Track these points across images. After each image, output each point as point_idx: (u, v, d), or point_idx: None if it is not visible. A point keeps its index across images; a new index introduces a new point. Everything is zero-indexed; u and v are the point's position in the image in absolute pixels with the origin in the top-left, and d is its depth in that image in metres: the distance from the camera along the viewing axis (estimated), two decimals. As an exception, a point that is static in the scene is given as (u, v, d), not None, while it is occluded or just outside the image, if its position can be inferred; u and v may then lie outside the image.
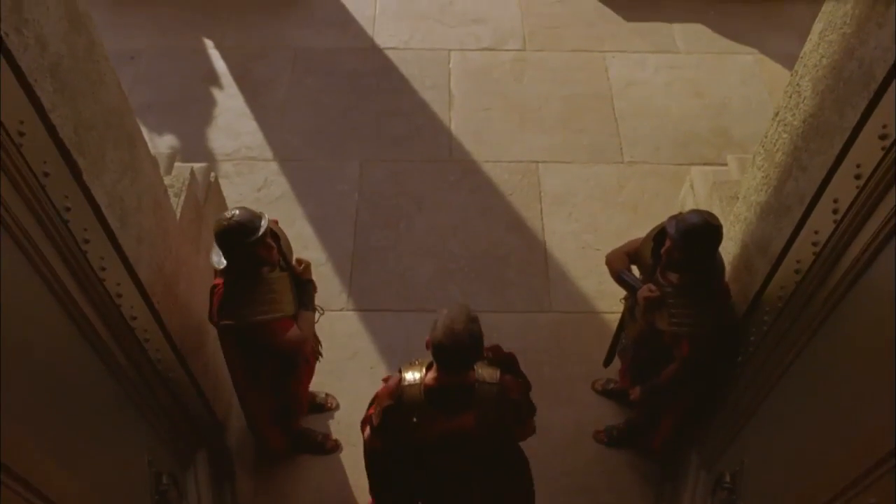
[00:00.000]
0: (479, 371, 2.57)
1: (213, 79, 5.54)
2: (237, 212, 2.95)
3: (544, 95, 5.40)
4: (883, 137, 2.09)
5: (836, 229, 2.36)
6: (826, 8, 2.64)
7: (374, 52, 5.71)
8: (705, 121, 5.29)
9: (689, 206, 3.90)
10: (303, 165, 4.99)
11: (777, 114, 3.00)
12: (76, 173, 2.39)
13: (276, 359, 3.27)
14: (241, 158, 5.03)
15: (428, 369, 2.58)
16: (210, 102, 5.38)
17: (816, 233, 2.49)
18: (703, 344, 3.04)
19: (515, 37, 5.82)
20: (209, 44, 5.80)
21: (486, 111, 5.29)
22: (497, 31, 5.86)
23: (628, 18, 6.01)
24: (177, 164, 3.85)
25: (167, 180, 3.58)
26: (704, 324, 3.01)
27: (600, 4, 6.12)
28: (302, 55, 5.68)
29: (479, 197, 4.85)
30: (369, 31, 5.86)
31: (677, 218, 2.96)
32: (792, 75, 2.89)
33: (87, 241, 2.44)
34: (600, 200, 4.83)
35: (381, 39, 5.81)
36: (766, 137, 3.09)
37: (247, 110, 5.32)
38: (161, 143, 5.09)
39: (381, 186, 4.86)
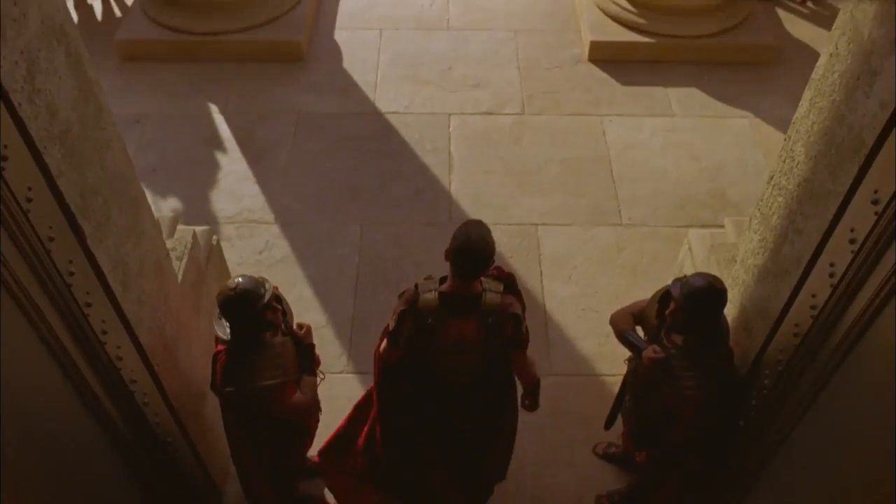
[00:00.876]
0: (486, 283, 2.90)
1: (217, 142, 5.63)
2: (240, 280, 2.96)
3: (543, 158, 5.48)
4: (875, 202, 2.13)
5: (833, 293, 2.38)
6: (815, 76, 2.71)
7: (375, 117, 5.82)
8: (702, 183, 5.35)
9: (688, 268, 3.93)
10: (304, 228, 5.04)
11: (772, 178, 3.05)
12: (81, 238, 2.42)
13: (276, 424, 3.24)
14: (243, 221, 5.08)
15: (441, 282, 2.92)
16: (213, 166, 5.46)
17: (814, 296, 2.51)
18: (708, 407, 3.03)
19: (514, 101, 5.94)
20: (214, 108, 5.91)
21: (485, 174, 5.36)
22: (496, 95, 5.99)
23: (624, 83, 6.14)
24: (179, 226, 3.89)
25: (170, 243, 3.61)
26: (709, 387, 3.01)
27: (597, 69, 6.27)
28: (304, 119, 5.79)
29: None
30: (371, 96, 5.99)
31: (682, 280, 2.99)
32: (785, 140, 2.94)
33: (89, 305, 2.45)
34: (599, 263, 4.86)
35: (383, 104, 5.92)
36: (761, 201, 3.13)
37: (249, 174, 5.40)
38: (165, 206, 5.14)
39: (382, 249, 4.89)
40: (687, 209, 5.17)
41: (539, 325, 4.54)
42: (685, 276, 3.05)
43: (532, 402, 3.21)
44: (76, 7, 6.88)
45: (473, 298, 2.87)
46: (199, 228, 3.96)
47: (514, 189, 5.29)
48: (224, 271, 4.31)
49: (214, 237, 4.15)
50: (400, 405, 3.23)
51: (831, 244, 2.42)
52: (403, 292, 2.99)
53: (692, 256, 4.02)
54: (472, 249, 2.77)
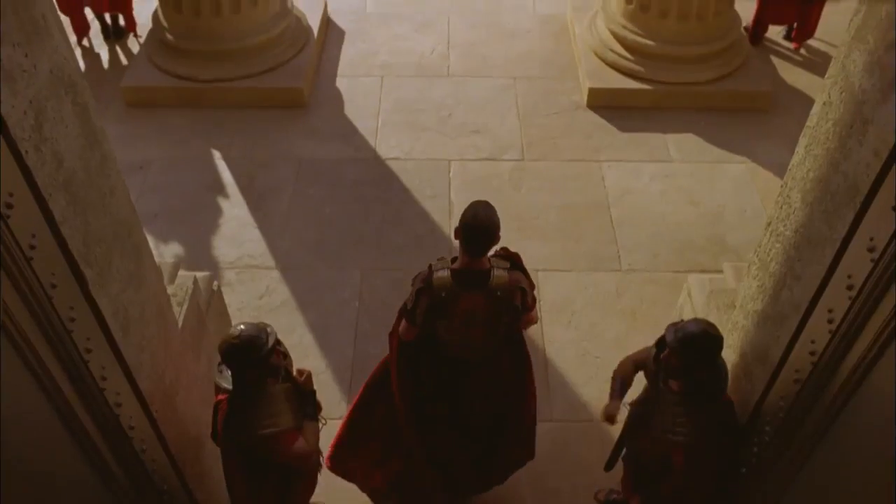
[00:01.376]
0: (494, 261, 3.14)
1: (219, 188, 5.68)
2: (242, 327, 2.93)
3: (543, 204, 5.52)
4: (871, 250, 2.15)
5: (832, 339, 2.39)
6: (810, 123, 2.75)
7: (376, 163, 5.88)
8: (701, 228, 5.39)
9: (688, 313, 3.93)
10: (304, 274, 5.05)
11: (769, 224, 3.07)
12: (83, 284, 2.43)
13: (278, 471, 3.22)
14: (244, 267, 5.10)
15: (453, 263, 3.14)
16: (215, 211, 5.50)
17: (813, 342, 2.51)
18: (699, 454, 3.00)
19: (514, 147, 6.01)
20: (216, 154, 5.97)
21: (485, 219, 5.39)
22: (496, 141, 6.06)
23: (623, 129, 6.22)
24: (181, 272, 3.91)
25: (170, 289, 3.63)
26: (701, 433, 2.99)
27: (596, 116, 6.35)
28: (306, 165, 5.85)
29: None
30: (372, 143, 6.06)
31: (676, 326, 3.00)
32: (782, 187, 2.97)
33: (89, 351, 2.46)
34: (599, 308, 4.86)
35: (384, 150, 5.99)
36: (759, 247, 3.15)
37: (251, 219, 5.43)
38: (166, 251, 5.17)
39: (382, 295, 4.90)
40: (686, 254, 5.19)
41: (539, 371, 4.52)
42: (681, 321, 3.06)
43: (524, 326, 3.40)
44: (84, 55, 7.00)
45: (483, 274, 3.08)
46: (199, 274, 3.98)
47: (514, 234, 5.30)
48: (224, 317, 4.32)
49: (215, 283, 4.16)
50: (416, 386, 3.41)
51: (829, 290, 2.43)
52: (418, 275, 3.20)
53: (692, 302, 4.03)
54: (480, 226, 2.99)
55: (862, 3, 2.35)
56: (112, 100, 6.37)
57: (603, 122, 6.28)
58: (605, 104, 6.38)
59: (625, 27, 6.49)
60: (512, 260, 3.25)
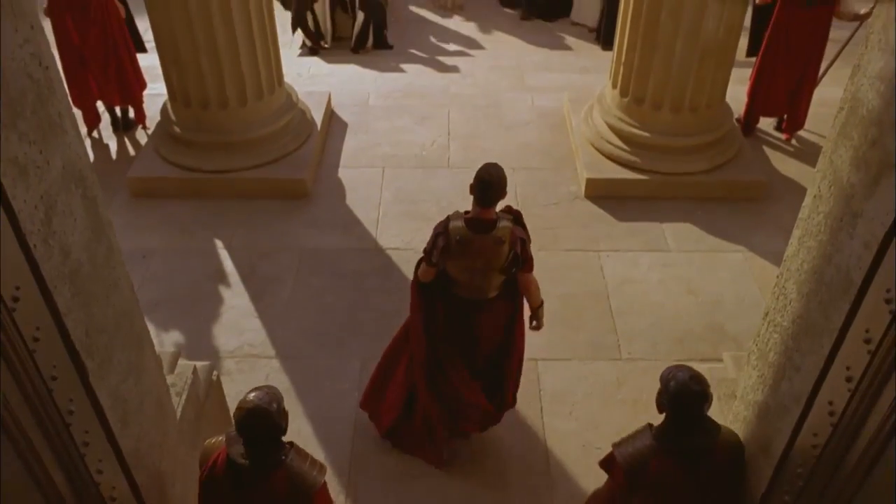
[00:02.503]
0: (500, 215, 3.76)
1: (221, 277, 5.73)
2: (252, 395, 2.80)
3: (543, 294, 5.52)
4: (867, 341, 2.17)
5: (834, 432, 2.37)
6: (802, 215, 2.81)
7: (376, 253, 5.95)
8: (700, 317, 5.40)
9: (689, 403, 3.90)
10: (304, 363, 5.04)
11: (767, 314, 3.09)
12: (83, 375, 2.44)
13: None
14: (244, 356, 5.09)
15: (465, 214, 3.77)
16: (216, 300, 5.52)
17: (815, 435, 2.50)
18: None
19: (513, 237, 6.06)
20: (219, 243, 6.04)
21: (485, 308, 5.42)
22: (495, 231, 6.12)
23: (621, 219, 6.31)
24: (180, 361, 3.92)
25: (170, 379, 3.62)
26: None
27: (594, 206, 6.45)
28: (307, 255, 5.91)
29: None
30: (373, 233, 6.14)
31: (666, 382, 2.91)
32: (777, 277, 3.01)
33: (86, 444, 2.44)
34: (600, 398, 4.83)
35: (384, 240, 6.06)
36: (758, 336, 3.16)
37: (251, 308, 5.45)
38: (166, 340, 5.17)
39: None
40: (686, 343, 5.19)
41: (541, 462, 4.47)
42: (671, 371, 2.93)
43: (538, 323, 4.09)
44: (93, 146, 7.17)
45: (491, 222, 3.73)
46: (199, 364, 3.98)
47: (513, 322, 5.32)
48: (223, 407, 4.29)
49: (214, 373, 4.15)
50: (433, 324, 4.05)
51: (829, 382, 2.44)
52: (437, 224, 3.83)
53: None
54: (491, 179, 3.64)
55: (845, 102, 2.44)
56: (118, 190, 6.49)
57: (601, 212, 6.38)
58: (602, 194, 6.50)
59: (620, 119, 6.66)
60: (515, 216, 3.85)
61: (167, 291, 5.59)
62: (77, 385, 2.41)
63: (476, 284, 3.91)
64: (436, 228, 3.83)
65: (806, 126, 7.26)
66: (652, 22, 6.06)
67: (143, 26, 7.09)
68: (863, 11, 6.77)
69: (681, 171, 6.49)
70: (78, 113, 6.87)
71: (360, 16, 9.74)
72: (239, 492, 2.86)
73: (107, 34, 6.74)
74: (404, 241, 6.03)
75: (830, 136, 2.56)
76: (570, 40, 10.58)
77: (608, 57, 7.16)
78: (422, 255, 3.91)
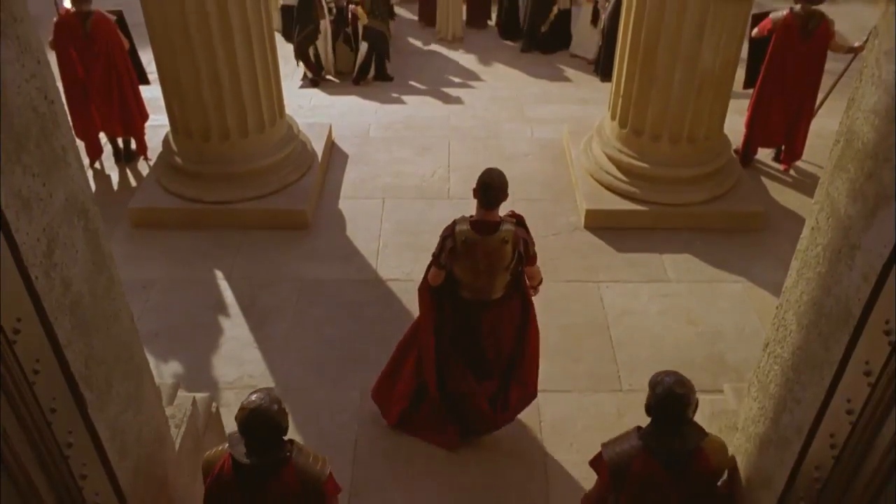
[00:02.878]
0: (503, 218, 3.99)
1: (221, 308, 5.72)
2: (253, 397, 2.86)
3: (542, 325, 5.45)
4: (867, 374, 2.16)
5: (836, 465, 2.36)
6: (800, 247, 2.82)
7: (376, 284, 5.95)
8: (700, 348, 5.39)
9: (690, 435, 3.88)
10: (303, 394, 5.02)
11: (767, 345, 3.09)
12: (82, 407, 2.44)
13: None
14: (243, 387, 5.07)
15: (470, 217, 4.00)
16: (216, 331, 5.52)
17: (817, 468, 2.49)
18: None
19: (512, 268, 6.07)
20: (219, 274, 6.05)
21: (485, 339, 5.41)
22: (495, 262, 6.13)
23: (620, 250, 6.32)
24: (180, 392, 3.91)
25: (169, 410, 3.61)
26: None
27: (593, 236, 6.47)
28: (308, 286, 5.92)
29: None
30: (373, 263, 6.15)
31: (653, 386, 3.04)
32: (777, 308, 3.02)
33: (84, 477, 2.43)
34: (600, 429, 4.79)
35: (384, 271, 6.07)
36: (758, 368, 3.16)
37: (251, 339, 5.45)
38: (166, 371, 5.16)
39: (380, 417, 4.84)
40: (686, 374, 5.10)
41: (541, 496, 4.43)
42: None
43: (534, 290, 4.30)
44: (95, 177, 7.21)
45: (494, 224, 3.95)
46: (199, 395, 3.97)
47: (513, 354, 5.31)
48: (223, 438, 4.26)
49: (214, 404, 4.14)
50: (441, 325, 4.25)
51: (830, 414, 2.43)
52: (445, 228, 4.06)
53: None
54: (493, 181, 3.87)
55: (841, 135, 2.47)
56: (119, 220, 6.52)
57: (600, 242, 6.39)
58: (602, 225, 6.52)
59: (619, 150, 6.70)
60: (518, 220, 4.09)
61: (167, 322, 5.58)
62: (76, 417, 2.41)
63: (482, 285, 4.13)
64: (443, 232, 4.05)
65: (803, 157, 7.30)
66: (650, 54, 6.13)
67: (147, 58, 7.16)
68: (857, 44, 6.86)
69: (680, 202, 6.52)
70: (80, 144, 6.92)
71: (363, 46, 9.87)
72: (249, 492, 2.90)
73: (110, 66, 6.82)
74: (404, 272, 6.03)
75: (827, 169, 2.58)
76: (569, 72, 10.71)
77: (607, 88, 7.23)
78: (431, 259, 4.14)
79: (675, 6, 5.81)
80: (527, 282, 4.26)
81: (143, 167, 7.34)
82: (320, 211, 6.76)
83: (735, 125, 7.22)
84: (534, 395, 4.54)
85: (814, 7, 6.61)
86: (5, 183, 1.96)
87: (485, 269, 4.04)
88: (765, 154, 7.52)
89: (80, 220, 2.42)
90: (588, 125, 7.44)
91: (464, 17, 11.71)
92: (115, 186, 7.18)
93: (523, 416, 4.84)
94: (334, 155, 7.55)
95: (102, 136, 7.30)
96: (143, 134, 7.30)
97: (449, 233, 4.01)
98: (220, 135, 6.40)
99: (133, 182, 7.20)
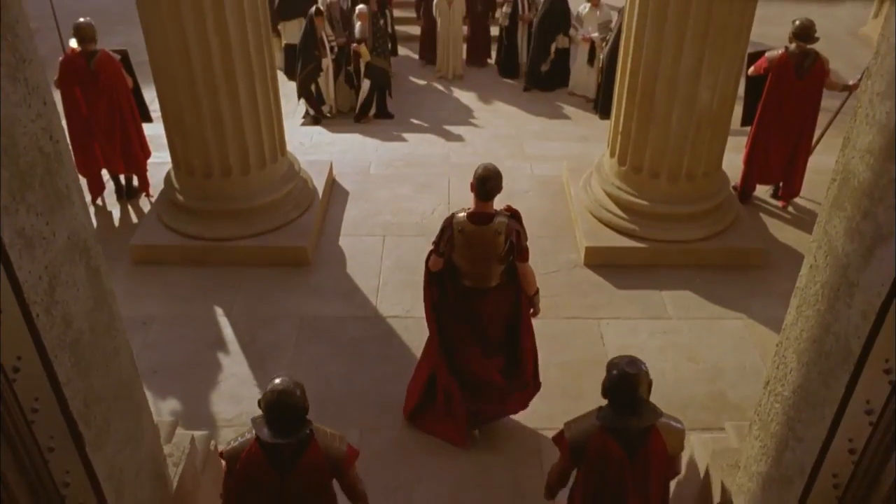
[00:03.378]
0: (498, 211, 4.31)
1: (221, 345, 5.71)
2: (277, 381, 3.12)
3: (542, 362, 5.47)
4: (869, 413, 2.16)
5: (839, 504, 2.35)
6: (799, 284, 2.83)
7: (376, 321, 5.94)
8: (701, 385, 5.37)
9: (692, 474, 3.86)
10: (303, 431, 4.98)
11: (768, 383, 3.09)
12: (80, 445, 2.43)
13: None
14: (242, 424, 5.02)
15: (467, 210, 4.32)
16: (215, 368, 5.50)
17: (820, 508, 2.47)
18: None
19: (513, 304, 6.07)
20: (219, 311, 6.05)
21: (485, 376, 5.39)
22: (495, 299, 6.13)
23: (620, 286, 6.33)
24: (178, 430, 3.88)
25: (167, 448, 3.59)
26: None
27: (593, 274, 6.48)
28: (307, 323, 5.91)
29: (480, 464, 4.79)
30: (373, 301, 6.15)
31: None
32: (777, 346, 3.02)
33: (81, 517, 2.41)
34: (602, 467, 4.75)
35: (384, 308, 6.07)
36: (760, 406, 3.15)
37: (250, 376, 5.42)
38: (164, 408, 5.13)
39: (381, 454, 4.80)
40: (688, 412, 5.13)
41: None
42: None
43: (535, 309, 4.60)
44: (96, 213, 7.24)
45: (489, 216, 4.27)
46: (197, 433, 3.94)
47: (514, 391, 5.29)
48: (220, 476, 4.22)
49: (213, 442, 4.12)
50: (443, 310, 4.56)
51: (832, 453, 2.42)
52: (444, 220, 4.39)
53: (696, 462, 3.96)
54: (488, 174, 4.21)
55: (837, 173, 2.49)
56: (120, 256, 6.53)
57: (600, 279, 6.40)
58: (601, 262, 6.53)
59: (618, 188, 6.75)
60: (512, 214, 4.37)
61: (166, 359, 5.57)
62: (73, 455, 2.39)
63: (478, 272, 4.44)
64: (443, 223, 4.39)
65: (802, 193, 7.34)
66: (648, 93, 6.20)
67: (150, 96, 7.24)
68: (851, 82, 6.94)
69: (679, 239, 6.54)
70: (83, 180, 6.96)
71: (365, 84, 9.98)
72: (280, 471, 3.17)
73: (114, 104, 6.89)
74: (404, 309, 6.03)
75: (824, 207, 2.60)
76: (568, 109, 10.81)
77: (606, 126, 7.29)
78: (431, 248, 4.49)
79: (672, 48, 5.90)
80: (525, 289, 4.52)
81: (145, 204, 7.38)
82: (321, 248, 6.77)
83: (733, 162, 7.28)
84: (538, 387, 4.82)
85: (808, 46, 6.70)
86: (9, 222, 1.97)
87: (481, 258, 4.38)
88: (763, 191, 7.56)
89: (81, 258, 2.43)
90: (587, 162, 7.50)
91: (464, 56, 11.85)
92: (117, 223, 7.21)
93: (523, 453, 4.81)
94: (335, 192, 7.59)
95: (105, 173, 7.35)
96: (145, 171, 7.35)
97: (448, 223, 4.34)
98: (221, 172, 6.45)
99: (135, 218, 7.23)
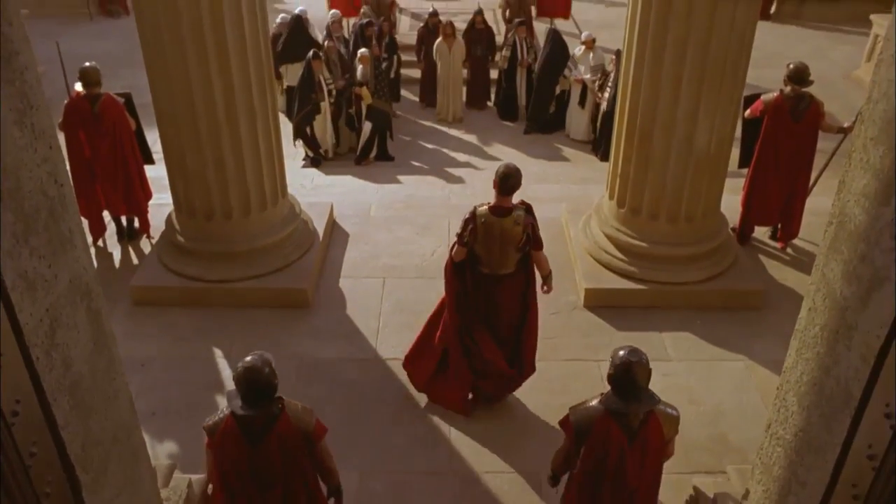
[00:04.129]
0: (516, 205, 4.85)
1: (220, 387, 5.68)
2: (248, 358, 3.48)
3: (542, 404, 5.50)
4: (871, 458, 2.15)
5: (843, 551, 2.32)
6: (799, 327, 2.84)
7: (376, 363, 5.92)
8: (702, 427, 5.33)
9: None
10: (301, 475, 4.93)
11: (769, 426, 3.07)
12: (76, 490, 2.41)
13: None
14: (240, 467, 4.99)
15: (489, 204, 4.86)
16: (214, 410, 5.38)
17: (825, 554, 2.44)
18: None
19: (513, 346, 6.06)
20: (218, 352, 6.03)
21: (485, 421, 5.35)
22: (495, 340, 6.12)
23: (620, 328, 6.31)
24: (176, 474, 3.85)
25: (164, 493, 3.56)
26: None
27: (593, 315, 6.47)
28: (307, 364, 5.89)
29: (480, 508, 4.75)
30: (373, 343, 6.13)
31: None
32: (778, 389, 3.01)
33: (76, 563, 2.38)
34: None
35: (384, 350, 6.05)
36: (762, 449, 3.13)
37: (249, 418, 5.38)
38: (162, 451, 5.09)
39: (381, 499, 4.75)
40: (690, 455, 5.09)
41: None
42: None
43: (548, 287, 5.17)
44: (97, 254, 7.25)
45: (508, 209, 4.83)
46: (195, 477, 3.91)
47: (514, 435, 5.25)
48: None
49: (209, 486, 4.07)
50: (463, 295, 5.08)
51: (836, 499, 2.40)
52: (467, 213, 4.91)
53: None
54: (510, 171, 4.77)
55: (833, 217, 2.51)
56: (120, 298, 6.53)
57: (600, 321, 6.39)
58: (601, 304, 6.53)
59: (618, 229, 6.77)
60: (526, 208, 4.88)
61: (164, 400, 5.53)
62: (69, 501, 2.37)
63: (496, 260, 4.96)
64: (465, 217, 4.89)
65: (800, 234, 7.37)
66: (646, 136, 6.26)
67: (152, 137, 7.31)
68: (846, 125, 7.02)
69: (679, 281, 6.55)
70: (84, 221, 6.99)
71: (367, 126, 10.08)
72: (253, 442, 3.47)
73: (117, 147, 6.96)
74: (404, 351, 5.97)
75: (822, 250, 2.62)
76: (567, 151, 10.90)
77: (605, 168, 7.36)
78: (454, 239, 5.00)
79: (669, 91, 5.98)
80: (538, 274, 5.12)
81: (146, 245, 7.40)
82: (321, 290, 6.78)
83: (731, 204, 7.32)
84: (532, 369, 5.35)
85: (803, 89, 6.79)
86: (12, 265, 1.99)
87: (499, 247, 4.90)
88: (761, 232, 7.59)
89: (83, 301, 2.44)
90: (586, 204, 7.54)
91: (464, 98, 11.99)
92: (117, 264, 7.23)
93: (525, 497, 4.76)
94: (335, 234, 7.62)
95: (106, 214, 7.39)
96: (146, 213, 7.39)
97: (471, 216, 4.87)
98: (223, 214, 6.48)
99: (135, 260, 7.25)
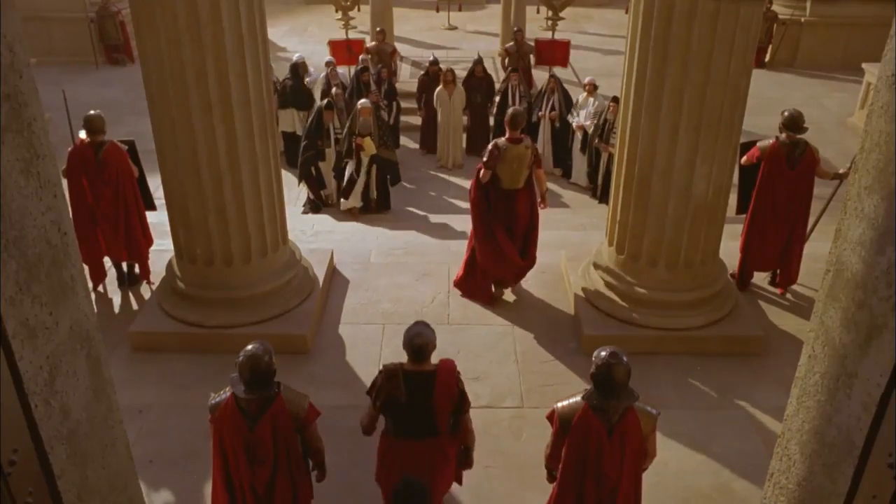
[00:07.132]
0: (524, 137, 6.73)
1: (217, 434, 5.63)
2: (250, 346, 3.99)
3: (542, 453, 5.43)
4: (875, 507, 2.13)
5: None
6: (799, 374, 2.83)
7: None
8: (705, 476, 5.27)
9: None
10: (299, 525, 4.85)
11: (772, 475, 3.04)
12: (72, 541, 2.37)
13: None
14: (237, 517, 4.91)
15: (506, 137, 6.67)
16: (210, 459, 5.39)
17: None
18: None
19: (513, 394, 6.04)
20: (217, 400, 5.98)
21: (485, 469, 5.29)
22: (495, 389, 6.10)
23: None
24: (171, 525, 3.79)
25: (160, 543, 3.50)
26: None
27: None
28: (306, 411, 5.83)
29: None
30: (372, 389, 6.08)
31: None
32: (779, 437, 2.99)
33: None
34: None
35: (384, 396, 6.00)
36: (765, 499, 3.10)
37: (247, 466, 5.32)
38: (158, 500, 5.03)
39: (380, 547, 4.69)
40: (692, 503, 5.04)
41: None
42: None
43: (545, 203, 7.20)
44: (97, 300, 7.25)
45: (519, 139, 6.66)
46: (191, 527, 3.85)
47: (514, 484, 5.19)
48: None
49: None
50: (487, 208, 6.84)
51: (840, 549, 2.37)
52: (490, 144, 6.80)
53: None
54: (517, 113, 6.75)
55: (830, 265, 2.53)
56: (119, 343, 6.51)
57: (600, 366, 6.35)
58: (601, 350, 6.50)
59: (617, 276, 6.79)
60: (534, 149, 6.80)
61: (161, 448, 5.48)
62: (65, 552, 2.34)
63: (513, 177, 6.72)
64: (489, 147, 6.70)
65: (799, 280, 7.38)
66: (644, 183, 6.32)
67: (154, 183, 7.37)
68: (842, 171, 7.09)
69: (679, 327, 6.54)
70: (84, 268, 7.01)
71: (371, 176, 10.10)
72: (251, 422, 3.92)
73: (119, 194, 7.01)
74: (404, 397, 5.96)
75: (820, 297, 2.63)
76: (567, 197, 10.98)
77: (604, 213, 7.40)
78: (481, 165, 6.76)
79: (667, 139, 6.05)
80: (539, 186, 7.04)
81: (146, 291, 7.40)
82: (320, 336, 6.76)
83: (730, 250, 7.35)
84: (534, 262, 7.18)
85: (798, 136, 6.88)
86: (14, 312, 1.99)
87: (515, 167, 6.66)
88: (760, 277, 7.60)
89: (83, 348, 2.44)
90: (586, 250, 7.56)
91: (464, 145, 12.11)
92: (117, 310, 7.22)
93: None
94: (335, 280, 7.63)
95: (107, 260, 7.41)
96: (147, 259, 7.41)
97: (494, 146, 6.65)
98: (223, 260, 6.50)
99: (135, 305, 7.25)
